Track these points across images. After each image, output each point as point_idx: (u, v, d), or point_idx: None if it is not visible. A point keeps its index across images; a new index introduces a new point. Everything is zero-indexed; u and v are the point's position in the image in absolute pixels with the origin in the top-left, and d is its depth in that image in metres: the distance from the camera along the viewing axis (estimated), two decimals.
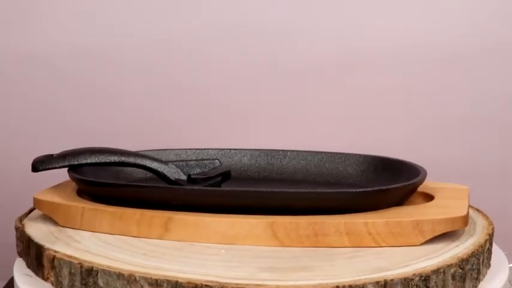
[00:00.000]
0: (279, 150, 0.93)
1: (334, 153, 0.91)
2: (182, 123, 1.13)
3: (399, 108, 1.14)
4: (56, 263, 0.67)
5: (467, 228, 0.72)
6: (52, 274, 0.67)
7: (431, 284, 0.62)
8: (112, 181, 0.82)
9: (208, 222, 0.70)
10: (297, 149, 0.94)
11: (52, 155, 0.80)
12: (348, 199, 0.71)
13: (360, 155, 0.90)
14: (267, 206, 0.70)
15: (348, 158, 0.90)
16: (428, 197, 0.79)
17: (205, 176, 0.81)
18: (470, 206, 0.79)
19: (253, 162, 0.92)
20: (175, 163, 0.82)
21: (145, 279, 0.62)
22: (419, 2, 1.12)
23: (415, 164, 0.83)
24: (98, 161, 0.80)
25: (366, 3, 1.12)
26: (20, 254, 0.75)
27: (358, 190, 0.72)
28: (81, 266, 0.65)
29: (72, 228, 0.74)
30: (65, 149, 0.82)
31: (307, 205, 0.70)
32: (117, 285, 0.63)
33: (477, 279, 0.67)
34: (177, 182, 0.80)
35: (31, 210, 0.82)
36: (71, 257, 0.66)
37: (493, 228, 0.74)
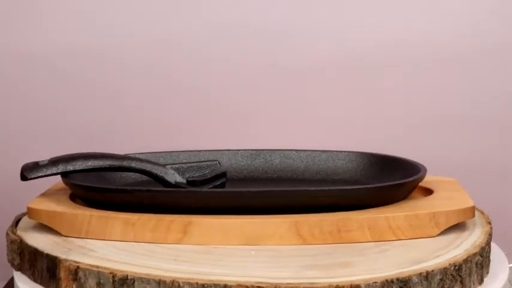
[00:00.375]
0: (263, 150, 0.92)
1: (329, 151, 0.91)
2: (182, 123, 1.13)
3: (399, 108, 1.13)
4: (81, 274, 0.63)
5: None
6: (74, 286, 0.64)
7: (463, 272, 0.64)
8: (120, 187, 0.79)
9: (231, 224, 0.69)
10: (297, 148, 0.94)
11: (37, 162, 0.77)
12: (370, 194, 0.72)
13: (355, 152, 0.90)
14: (288, 205, 0.70)
15: (342, 156, 0.90)
16: (426, 191, 0.80)
17: (202, 178, 0.80)
18: None
19: (236, 163, 0.91)
20: (173, 166, 0.81)
21: (191, 284, 0.60)
22: (419, 2, 1.12)
23: (406, 159, 0.84)
24: (93, 166, 0.77)
25: (365, 3, 1.12)
26: (19, 268, 0.72)
27: (379, 185, 0.74)
28: (114, 276, 0.62)
29: (78, 237, 0.71)
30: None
31: (330, 202, 0.71)
32: None
33: (488, 266, 0.71)
34: (177, 185, 0.79)
35: (18, 220, 0.78)
36: (98, 266, 0.63)
37: (490, 224, 0.76)
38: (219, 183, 0.79)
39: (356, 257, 0.66)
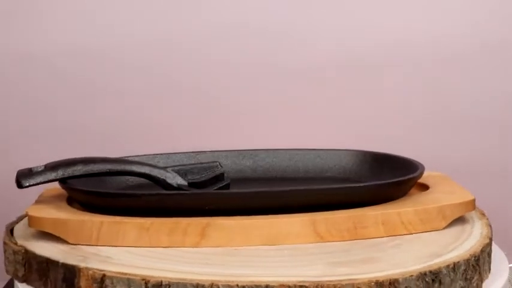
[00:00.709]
0: (250, 150, 0.92)
1: (322, 149, 0.91)
2: (182, 123, 1.13)
3: (399, 108, 1.14)
4: (108, 282, 0.61)
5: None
6: None
7: (480, 262, 0.67)
8: (134, 192, 0.77)
9: (249, 225, 0.68)
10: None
11: (31, 169, 0.74)
12: (381, 191, 0.74)
13: (353, 151, 0.90)
14: (304, 203, 0.71)
15: (336, 154, 0.90)
16: (420, 187, 0.82)
17: (202, 180, 0.79)
18: None
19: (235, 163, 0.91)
20: (174, 168, 0.79)
21: (231, 287, 0.59)
22: (419, 2, 1.12)
23: (398, 156, 0.85)
24: (93, 171, 0.75)
25: (365, 3, 1.12)
26: (24, 279, 0.69)
27: (390, 181, 0.75)
28: (146, 282, 0.60)
29: (87, 244, 0.69)
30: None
31: (345, 199, 0.72)
32: None
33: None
34: (179, 188, 0.77)
35: (12, 229, 0.75)
36: (126, 273, 0.61)
37: (485, 216, 0.77)
38: (223, 184, 0.78)
39: (375, 252, 0.67)
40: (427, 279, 0.62)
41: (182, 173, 0.79)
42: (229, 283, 0.59)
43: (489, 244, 0.69)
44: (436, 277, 0.62)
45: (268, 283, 0.59)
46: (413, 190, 0.80)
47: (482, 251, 0.67)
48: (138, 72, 1.12)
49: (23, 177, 0.73)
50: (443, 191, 0.77)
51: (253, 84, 1.13)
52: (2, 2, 1.09)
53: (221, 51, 1.12)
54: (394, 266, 0.63)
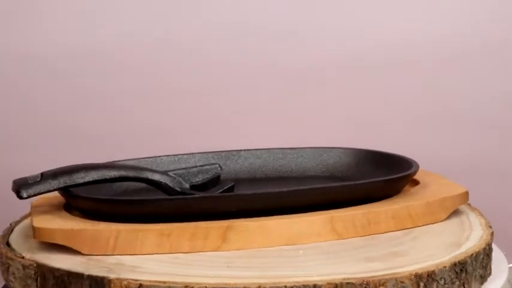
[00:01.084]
0: (235, 151, 0.91)
1: (315, 148, 0.91)
2: (182, 123, 1.13)
3: (399, 108, 1.14)
4: None
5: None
6: None
7: (491, 251, 0.71)
8: (152, 197, 0.74)
9: (269, 226, 0.68)
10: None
11: (26, 178, 0.71)
12: (389, 186, 0.75)
13: (351, 149, 0.90)
14: (320, 202, 0.71)
15: (334, 152, 0.90)
16: (411, 182, 0.82)
17: (202, 182, 0.78)
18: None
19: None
20: (176, 172, 0.78)
21: None
22: (419, 2, 1.12)
23: (388, 152, 0.85)
24: (96, 178, 0.72)
25: (365, 3, 1.12)
26: None
27: (396, 176, 0.75)
28: None
29: (103, 254, 0.66)
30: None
31: (359, 196, 0.73)
32: None
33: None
34: (182, 192, 0.75)
35: (7, 241, 0.72)
36: (166, 282, 0.59)
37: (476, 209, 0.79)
38: (228, 186, 0.76)
39: (397, 246, 0.68)
40: (456, 270, 0.64)
41: (184, 176, 0.78)
42: (276, 284, 0.59)
43: (493, 233, 0.72)
44: (463, 267, 0.65)
45: (315, 282, 0.59)
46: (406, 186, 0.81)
47: (491, 239, 0.71)
48: (137, 72, 1.12)
49: (23, 188, 0.69)
50: (437, 185, 0.78)
51: (253, 84, 1.13)
52: (2, 2, 1.09)
53: (221, 51, 1.12)
54: (424, 259, 0.64)
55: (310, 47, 1.13)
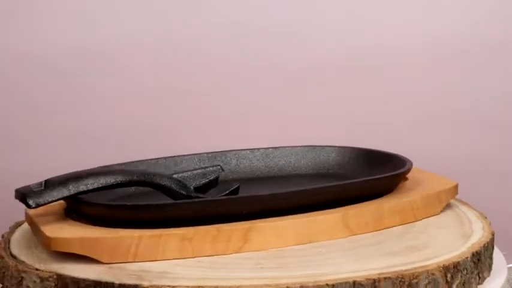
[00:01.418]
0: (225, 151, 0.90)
1: (310, 146, 0.91)
2: (182, 123, 1.13)
3: (399, 108, 1.14)
4: None
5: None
6: None
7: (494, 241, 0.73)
8: (175, 201, 0.72)
9: (288, 225, 0.68)
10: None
11: (30, 187, 0.68)
12: (393, 181, 0.77)
13: (345, 147, 0.90)
14: (332, 199, 0.72)
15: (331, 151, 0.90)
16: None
17: (203, 184, 0.77)
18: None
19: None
20: (181, 175, 0.76)
21: (319, 286, 0.59)
22: (419, 2, 1.12)
23: (377, 150, 0.86)
24: (105, 184, 0.70)
25: (365, 3, 1.12)
26: None
27: (401, 171, 0.77)
28: None
29: (124, 262, 0.64)
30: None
31: (368, 192, 0.74)
32: None
33: None
34: (188, 196, 0.73)
35: (8, 249, 0.69)
36: (202, 287, 0.59)
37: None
38: (233, 188, 0.75)
39: (410, 240, 0.70)
40: (474, 260, 0.67)
41: (188, 179, 0.76)
42: (318, 283, 0.59)
43: (490, 223, 0.75)
44: (479, 257, 0.67)
45: (354, 279, 0.60)
46: None
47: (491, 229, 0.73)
48: (137, 72, 1.12)
49: (31, 197, 0.67)
50: (429, 180, 0.80)
51: (253, 84, 1.13)
52: (2, 2, 1.09)
53: (221, 51, 1.12)
54: (442, 251, 0.67)
55: (310, 47, 1.13)
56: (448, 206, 0.78)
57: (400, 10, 1.13)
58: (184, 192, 0.73)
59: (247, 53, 1.13)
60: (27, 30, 1.10)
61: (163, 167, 0.84)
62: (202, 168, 0.79)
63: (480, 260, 0.68)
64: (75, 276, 0.62)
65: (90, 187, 0.69)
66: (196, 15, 1.12)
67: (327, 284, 0.59)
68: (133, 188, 0.78)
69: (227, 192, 0.74)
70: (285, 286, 0.59)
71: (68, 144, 1.11)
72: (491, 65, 1.12)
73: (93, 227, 0.67)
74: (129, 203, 0.69)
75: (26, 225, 0.75)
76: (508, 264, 0.74)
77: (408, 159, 0.80)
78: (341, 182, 0.75)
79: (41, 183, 0.69)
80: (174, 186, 0.73)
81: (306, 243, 0.69)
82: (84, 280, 0.61)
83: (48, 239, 0.64)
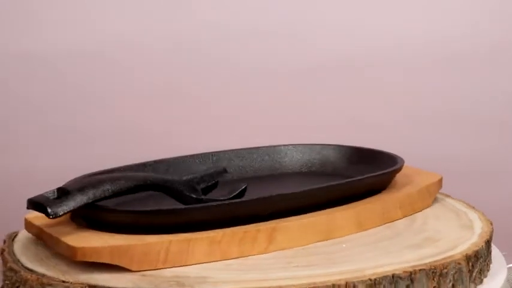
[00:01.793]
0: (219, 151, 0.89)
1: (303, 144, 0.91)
2: (181, 123, 1.13)
3: (399, 108, 1.14)
4: None
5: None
6: None
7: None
8: (203, 204, 0.71)
9: (309, 223, 0.69)
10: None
11: (44, 195, 0.66)
12: (392, 177, 0.79)
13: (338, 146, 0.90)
14: (345, 196, 0.73)
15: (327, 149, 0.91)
16: None
17: (207, 186, 0.75)
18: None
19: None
20: (192, 179, 0.74)
21: (363, 282, 0.60)
22: (419, 2, 1.12)
23: (364, 148, 0.87)
24: (120, 189, 0.68)
25: (366, 3, 1.13)
26: None
27: (398, 166, 0.78)
28: None
29: (154, 269, 0.63)
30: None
31: (373, 188, 0.76)
32: None
33: None
34: (198, 199, 0.72)
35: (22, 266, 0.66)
36: None
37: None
38: (241, 189, 0.74)
39: (422, 233, 0.72)
40: (486, 248, 0.69)
41: (196, 181, 0.75)
42: (361, 278, 0.60)
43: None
44: (489, 245, 0.71)
45: (393, 272, 0.61)
46: None
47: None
48: (137, 72, 1.12)
49: (51, 206, 0.64)
50: (416, 174, 0.82)
51: (253, 84, 1.13)
52: (2, 2, 1.10)
53: (221, 51, 1.12)
54: (457, 241, 0.69)
55: (310, 47, 1.13)
56: (435, 199, 0.81)
57: (400, 10, 1.13)
58: (194, 196, 0.72)
59: (247, 53, 1.13)
60: (27, 30, 1.10)
61: (166, 169, 0.83)
62: (207, 170, 0.78)
63: (489, 248, 0.71)
64: (110, 287, 0.60)
65: (107, 194, 0.67)
66: (196, 15, 1.12)
67: (370, 279, 0.60)
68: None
69: (236, 193, 0.73)
70: (330, 284, 0.59)
71: (67, 144, 1.11)
72: (491, 65, 1.12)
73: (117, 234, 0.65)
74: (156, 208, 0.67)
75: (23, 236, 0.72)
76: (508, 264, 0.74)
77: (398, 156, 0.82)
78: (353, 179, 0.75)
79: (53, 191, 0.66)
80: (185, 190, 0.72)
81: (324, 240, 0.70)
82: None
83: (75, 249, 0.62)
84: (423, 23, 1.12)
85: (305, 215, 0.70)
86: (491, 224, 0.74)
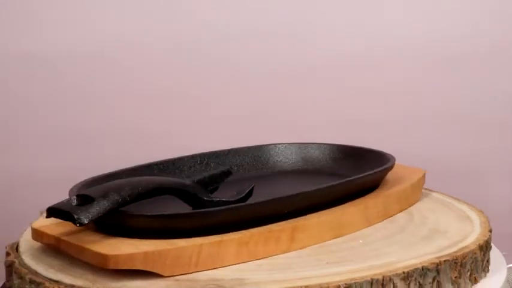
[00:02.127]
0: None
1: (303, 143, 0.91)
2: (181, 123, 1.13)
3: (398, 108, 1.14)
4: None
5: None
6: None
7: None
8: (231, 206, 0.69)
9: (325, 221, 0.70)
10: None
11: (68, 202, 0.63)
12: (387, 173, 0.81)
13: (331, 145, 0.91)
14: (352, 193, 0.74)
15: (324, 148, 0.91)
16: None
17: (212, 188, 0.75)
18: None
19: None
20: (201, 180, 0.73)
21: (398, 275, 0.62)
22: (419, 2, 1.12)
23: (350, 146, 0.88)
24: (139, 193, 0.66)
25: (366, 3, 1.13)
26: None
27: (392, 163, 0.80)
28: None
29: (186, 273, 0.62)
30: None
31: (374, 184, 0.78)
32: None
33: None
34: (210, 201, 0.70)
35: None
36: (308, 286, 0.59)
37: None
38: (250, 188, 0.73)
39: (427, 225, 0.74)
40: (490, 236, 0.72)
41: (205, 183, 0.74)
42: (395, 271, 0.62)
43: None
44: (491, 233, 0.73)
45: (422, 264, 0.63)
46: None
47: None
48: (137, 72, 1.12)
49: (79, 213, 0.61)
50: (402, 170, 0.83)
51: (253, 85, 1.13)
52: (2, 2, 1.10)
53: (221, 51, 1.12)
54: (463, 232, 0.72)
55: (310, 47, 1.13)
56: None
57: (400, 10, 1.13)
58: (205, 198, 0.71)
59: (247, 53, 1.13)
60: (27, 30, 1.10)
61: (165, 169, 0.83)
62: (212, 171, 0.77)
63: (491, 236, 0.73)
64: None
65: (128, 199, 0.64)
66: (195, 15, 1.12)
67: (403, 272, 0.62)
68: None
69: (246, 192, 0.72)
70: (369, 278, 0.61)
71: (67, 144, 1.11)
72: (491, 65, 1.12)
73: (145, 240, 0.63)
74: (188, 212, 0.67)
75: (27, 246, 0.69)
76: (507, 264, 0.74)
77: (387, 153, 0.83)
78: (360, 175, 0.76)
79: (73, 198, 0.64)
80: (199, 193, 0.70)
81: (337, 237, 0.71)
82: None
83: (107, 257, 0.60)
84: (423, 23, 1.12)
85: (321, 213, 0.71)
86: (482, 213, 0.77)
